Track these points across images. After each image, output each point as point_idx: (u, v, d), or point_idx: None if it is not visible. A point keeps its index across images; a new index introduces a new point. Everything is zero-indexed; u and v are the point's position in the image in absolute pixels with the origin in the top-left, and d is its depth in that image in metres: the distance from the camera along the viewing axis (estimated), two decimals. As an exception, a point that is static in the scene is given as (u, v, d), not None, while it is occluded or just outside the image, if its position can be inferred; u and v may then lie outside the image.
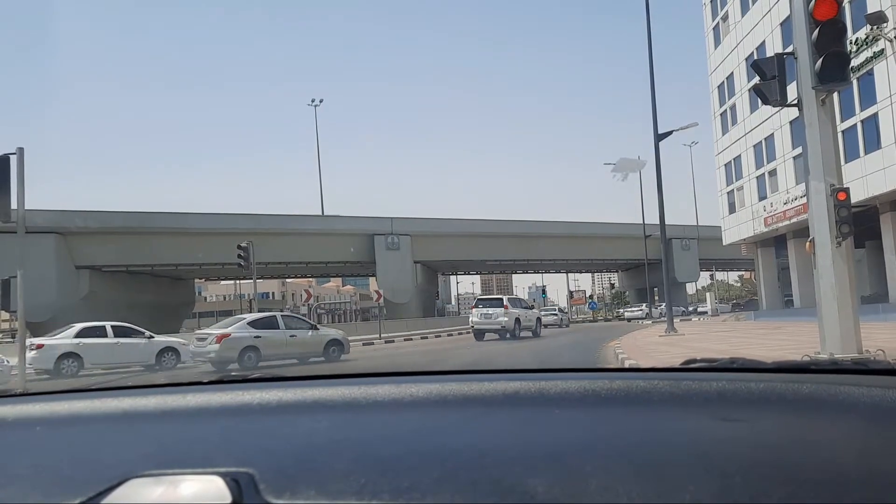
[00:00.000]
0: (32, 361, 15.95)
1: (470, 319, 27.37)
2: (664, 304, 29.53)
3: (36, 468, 0.88)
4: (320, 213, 52.40)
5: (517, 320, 26.03)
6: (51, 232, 38.57)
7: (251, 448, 0.88)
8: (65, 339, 17.47)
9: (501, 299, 26.91)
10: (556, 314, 44.67)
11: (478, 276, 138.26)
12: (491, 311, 25.73)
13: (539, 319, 30.19)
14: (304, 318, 21.00)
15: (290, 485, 0.77)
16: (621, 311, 75.53)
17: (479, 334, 26.19)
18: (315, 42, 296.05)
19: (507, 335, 25.42)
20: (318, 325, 20.33)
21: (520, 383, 1.01)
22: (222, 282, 77.71)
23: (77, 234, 40.39)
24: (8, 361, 15.73)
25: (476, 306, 26.98)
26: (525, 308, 28.75)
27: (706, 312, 54.73)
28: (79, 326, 18.07)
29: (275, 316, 18.75)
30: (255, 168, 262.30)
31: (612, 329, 34.26)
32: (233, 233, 39.73)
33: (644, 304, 55.39)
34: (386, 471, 0.79)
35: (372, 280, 61.77)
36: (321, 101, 58.12)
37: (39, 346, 16.81)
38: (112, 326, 18.52)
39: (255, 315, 18.65)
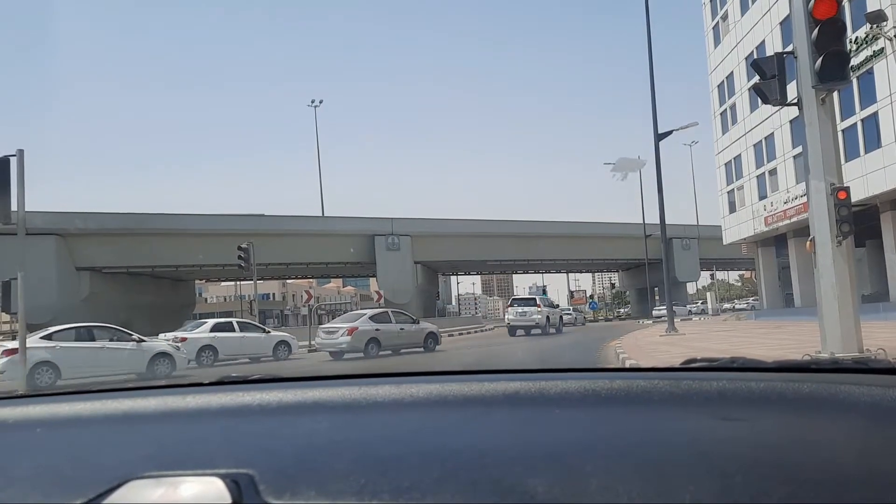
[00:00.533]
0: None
1: (506, 317, 30.00)
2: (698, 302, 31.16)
3: (37, 469, 0.88)
4: (320, 214, 52.41)
5: (548, 318, 29.05)
6: (51, 233, 38.55)
7: (251, 449, 0.88)
8: (202, 333, 19.53)
9: (535, 299, 30.30)
10: (571, 314, 47.47)
11: (478, 277, 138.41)
12: (526, 309, 28.63)
13: (561, 318, 32.90)
14: (407, 312, 23.54)
15: (290, 485, 0.77)
16: (621, 311, 75.54)
17: (513, 330, 28.63)
18: (315, 42, 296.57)
19: (539, 330, 28.17)
20: (418, 320, 22.66)
21: (520, 383, 1.01)
22: (223, 283, 77.69)
23: (77, 235, 40.39)
24: (181, 348, 17.36)
25: (511, 305, 29.80)
26: (552, 307, 31.79)
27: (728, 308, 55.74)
28: (212, 322, 20.42)
29: (387, 312, 21.30)
30: (255, 169, 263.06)
31: (613, 329, 34.40)
32: (233, 234, 39.71)
33: (674, 303, 57.41)
34: (386, 471, 0.79)
35: (372, 281, 61.76)
36: (321, 102, 58.17)
37: (183, 339, 18.54)
38: (237, 322, 21.28)
39: (373, 311, 21.29)
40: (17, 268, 12.22)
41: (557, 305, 36.36)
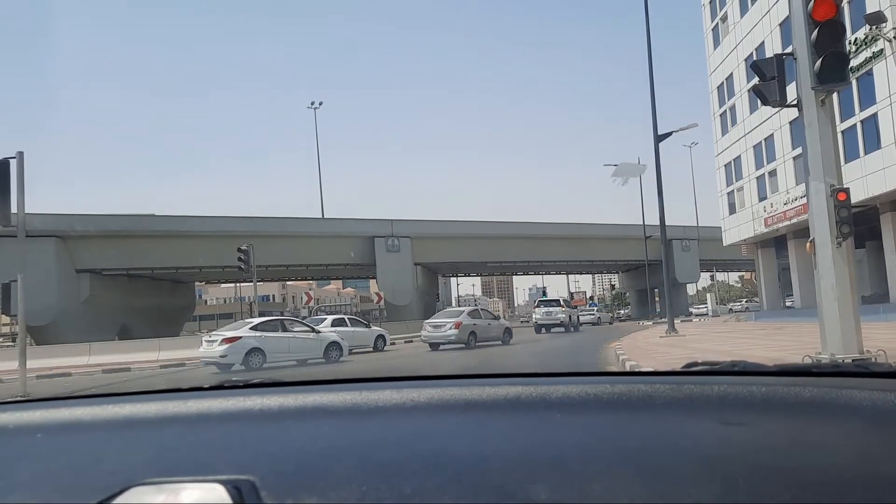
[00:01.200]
0: None
1: (533, 317, 33.65)
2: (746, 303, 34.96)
3: (37, 476, 0.87)
4: (320, 216, 52.39)
5: (570, 317, 33.06)
6: (51, 236, 38.51)
7: (252, 454, 0.88)
8: (325, 328, 21.76)
9: (559, 300, 34.21)
10: (593, 314, 50.59)
11: (478, 278, 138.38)
12: (552, 309, 32.36)
13: (578, 318, 37.03)
14: (489, 310, 26.75)
15: (291, 491, 0.77)
16: (621, 312, 75.55)
17: (539, 328, 32.07)
18: (316, 45, 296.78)
19: (562, 328, 31.93)
20: (499, 317, 26.19)
21: (521, 388, 1.00)
22: (223, 285, 77.63)
23: (77, 237, 40.36)
24: (343, 341, 19.74)
25: (538, 306, 33.74)
26: (571, 308, 36.23)
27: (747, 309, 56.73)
28: (331, 318, 23.17)
29: (478, 309, 24.47)
30: (255, 171, 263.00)
31: (614, 330, 34.45)
32: (233, 235, 39.68)
33: (712, 304, 64.09)
34: (387, 476, 0.79)
35: (372, 282, 61.64)
36: (321, 104, 58.21)
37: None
38: (348, 318, 24.08)
39: (469, 308, 24.28)
40: (17, 270, 12.22)
41: (576, 307, 41.18)
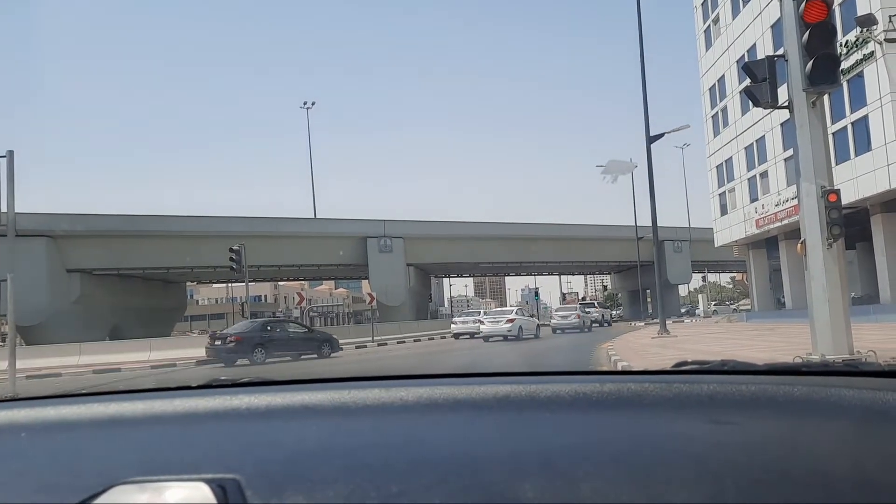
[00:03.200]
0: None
1: None
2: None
3: (20, 475, 0.87)
4: (313, 216, 52.30)
5: (602, 315, 42.84)
6: (41, 235, 38.29)
7: (238, 454, 0.87)
8: (514, 315, 27.07)
9: (594, 303, 46.82)
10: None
11: (470, 279, 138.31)
12: (589, 310, 40.63)
13: (611, 315, 47.92)
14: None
15: (277, 491, 0.76)
16: (613, 313, 75.75)
17: None
18: (307, 44, 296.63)
19: (598, 325, 39.61)
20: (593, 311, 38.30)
21: (510, 387, 1.00)
22: (214, 285, 77.38)
23: (68, 237, 40.15)
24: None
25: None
26: (605, 308, 48.08)
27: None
28: (515, 308, 30.04)
29: (579, 305, 35.84)
30: (247, 171, 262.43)
31: (607, 330, 34.57)
32: (225, 235, 39.55)
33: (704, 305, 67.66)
34: (375, 476, 0.78)
35: (365, 283, 61.62)
36: (313, 104, 58.13)
37: (512, 321, 26.27)
38: (523, 310, 31.07)
39: (578, 304, 37.45)
40: (7, 269, 12.15)
41: (608, 307, 53.94)
